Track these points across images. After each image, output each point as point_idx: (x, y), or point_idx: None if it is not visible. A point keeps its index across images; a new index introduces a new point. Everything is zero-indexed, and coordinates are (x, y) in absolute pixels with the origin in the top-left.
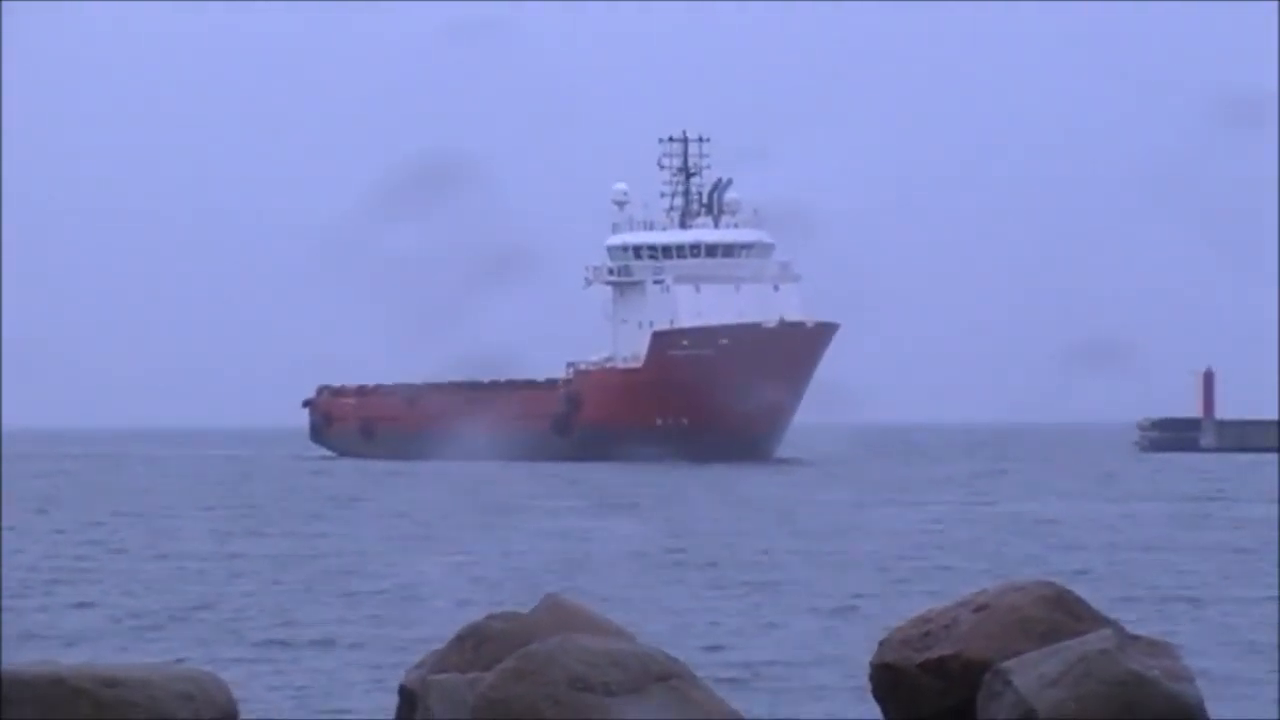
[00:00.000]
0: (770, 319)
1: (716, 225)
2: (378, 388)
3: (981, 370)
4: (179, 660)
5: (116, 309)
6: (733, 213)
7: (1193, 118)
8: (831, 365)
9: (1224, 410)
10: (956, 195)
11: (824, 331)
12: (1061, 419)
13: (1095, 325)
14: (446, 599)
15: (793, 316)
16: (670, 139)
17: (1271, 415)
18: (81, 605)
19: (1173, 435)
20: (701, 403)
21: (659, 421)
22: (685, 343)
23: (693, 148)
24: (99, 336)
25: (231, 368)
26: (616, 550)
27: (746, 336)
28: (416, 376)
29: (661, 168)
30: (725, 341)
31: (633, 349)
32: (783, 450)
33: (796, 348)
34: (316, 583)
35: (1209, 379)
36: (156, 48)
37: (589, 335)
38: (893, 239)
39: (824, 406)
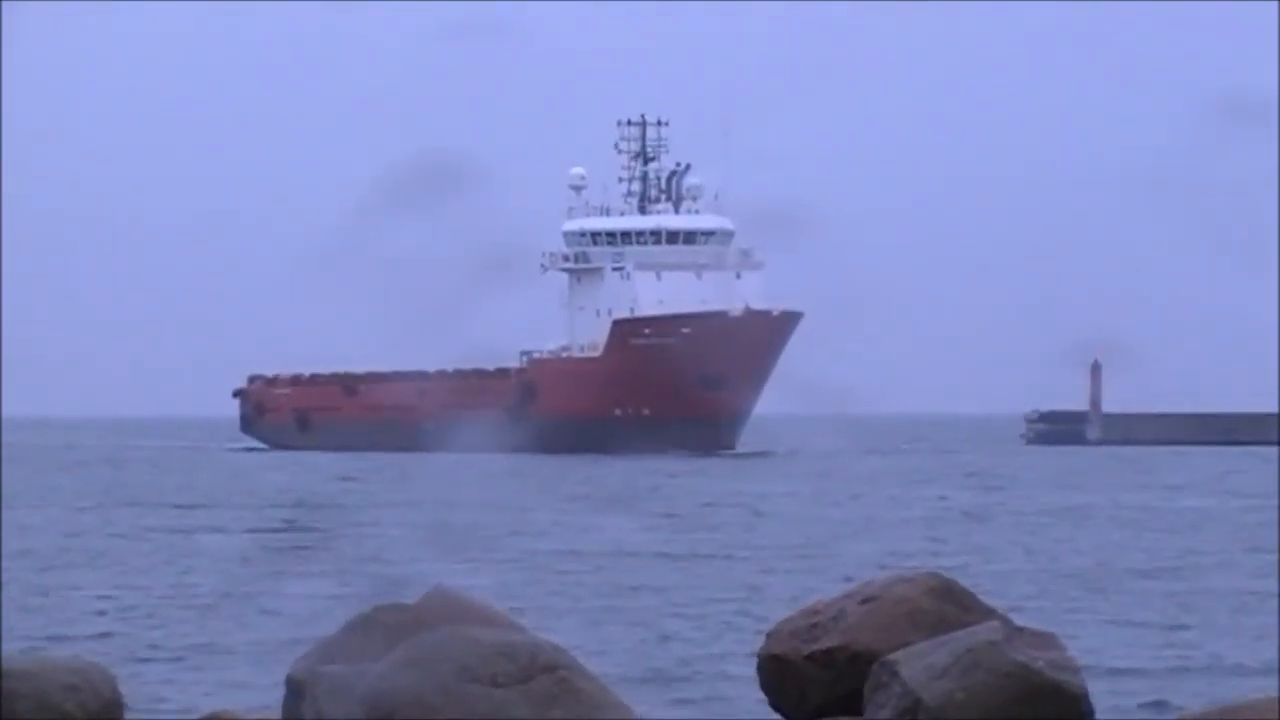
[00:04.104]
0: (734, 307)
1: (677, 211)
2: (314, 376)
3: (975, 364)
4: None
5: (95, 304)
6: (694, 198)
7: (1193, 118)
8: (823, 359)
9: (1112, 404)
10: (955, 194)
11: (788, 320)
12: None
13: (1085, 322)
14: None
15: (756, 304)
16: (628, 122)
17: (1160, 409)
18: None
19: (1058, 428)
20: (663, 392)
21: (618, 412)
22: (647, 331)
23: (651, 131)
24: (67, 329)
25: (176, 359)
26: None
27: (710, 325)
28: (360, 365)
29: (619, 152)
30: (688, 330)
31: (590, 337)
32: (745, 442)
33: (761, 336)
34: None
35: (1096, 371)
36: (155, 47)
37: (544, 322)
38: (890, 237)
39: (805, 399)
